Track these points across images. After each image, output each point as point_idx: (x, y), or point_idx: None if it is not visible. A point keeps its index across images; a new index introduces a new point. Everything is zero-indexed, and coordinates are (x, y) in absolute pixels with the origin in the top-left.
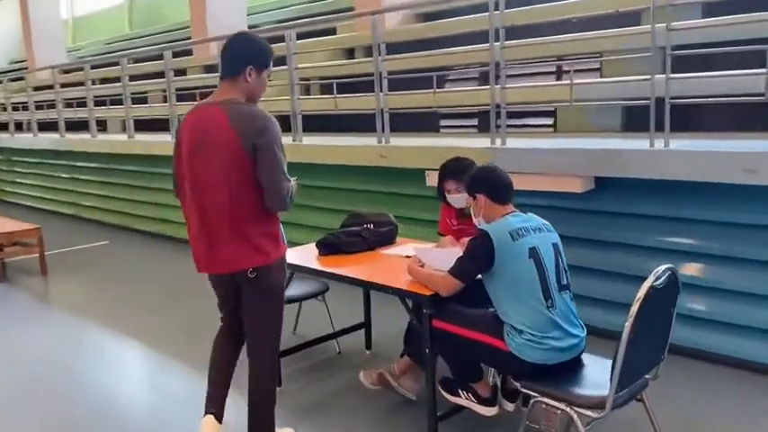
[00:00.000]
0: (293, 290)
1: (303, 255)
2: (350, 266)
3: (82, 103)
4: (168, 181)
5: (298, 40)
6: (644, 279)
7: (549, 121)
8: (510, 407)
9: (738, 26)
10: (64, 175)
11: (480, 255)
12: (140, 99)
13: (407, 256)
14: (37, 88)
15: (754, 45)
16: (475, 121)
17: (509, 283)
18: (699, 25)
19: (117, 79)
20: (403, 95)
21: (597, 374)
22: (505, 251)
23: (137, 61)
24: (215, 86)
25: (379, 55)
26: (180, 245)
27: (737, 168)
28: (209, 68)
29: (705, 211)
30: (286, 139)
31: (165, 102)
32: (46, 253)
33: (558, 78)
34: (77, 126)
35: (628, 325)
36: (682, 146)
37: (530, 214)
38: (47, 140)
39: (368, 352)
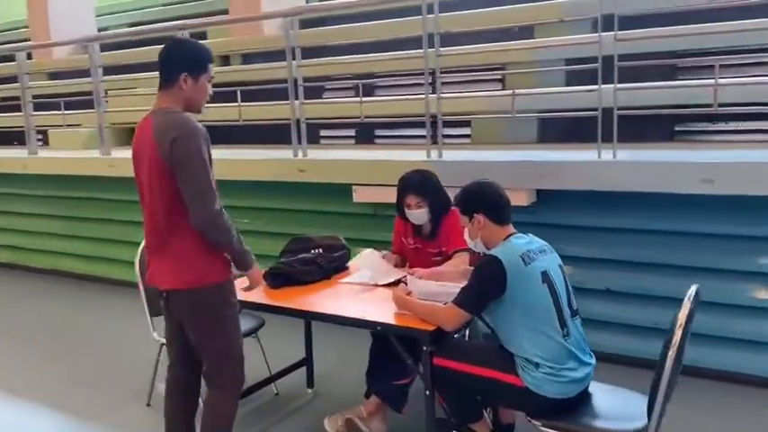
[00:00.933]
0: None
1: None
2: (315, 300)
3: None
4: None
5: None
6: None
7: (467, 131)
8: None
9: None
10: None
11: (491, 282)
12: None
13: (376, 285)
14: None
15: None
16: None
17: (523, 311)
18: (644, 36)
19: None
20: (321, 104)
21: (617, 405)
22: (518, 277)
23: None
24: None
25: (294, 59)
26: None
27: (695, 179)
28: (54, 75)
29: (654, 221)
30: None
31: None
32: None
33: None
34: None
35: (671, 354)
36: (630, 156)
37: (530, 235)
38: None
39: (310, 391)
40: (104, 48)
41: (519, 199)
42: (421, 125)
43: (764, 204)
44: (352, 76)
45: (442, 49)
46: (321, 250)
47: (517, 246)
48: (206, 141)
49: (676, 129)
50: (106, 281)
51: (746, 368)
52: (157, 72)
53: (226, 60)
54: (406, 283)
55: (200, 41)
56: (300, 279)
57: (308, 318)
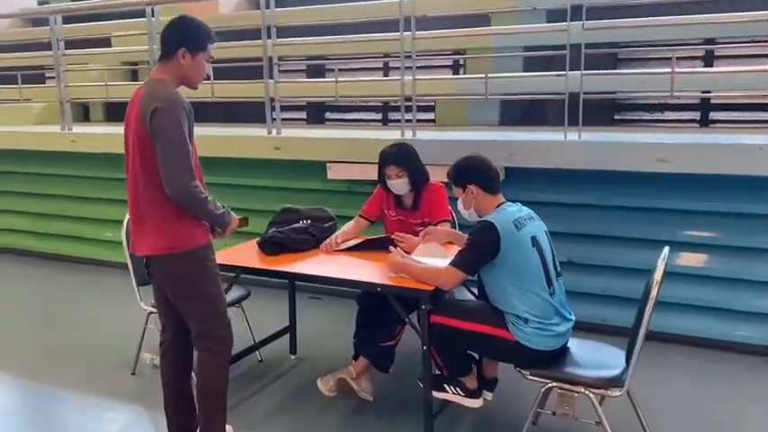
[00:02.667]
0: None
1: (241, 255)
2: (313, 265)
3: None
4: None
5: (116, 20)
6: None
7: (431, 115)
8: (489, 396)
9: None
10: None
11: (487, 246)
12: None
13: (356, 247)
14: None
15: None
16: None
17: (514, 272)
18: (610, 26)
19: None
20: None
21: (596, 356)
22: (511, 241)
23: None
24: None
25: (269, 38)
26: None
27: (652, 158)
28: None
29: (612, 197)
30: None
31: None
32: None
33: (456, 72)
34: None
35: (649, 308)
36: (593, 138)
37: (518, 204)
38: None
39: (293, 357)
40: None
41: None
42: (372, 108)
43: (711, 182)
44: (306, 57)
45: (417, 33)
46: (310, 221)
47: (509, 212)
48: (187, 115)
49: (616, 117)
50: (70, 259)
51: (685, 329)
52: (100, 49)
53: None
54: (395, 245)
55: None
56: (296, 247)
57: (310, 281)
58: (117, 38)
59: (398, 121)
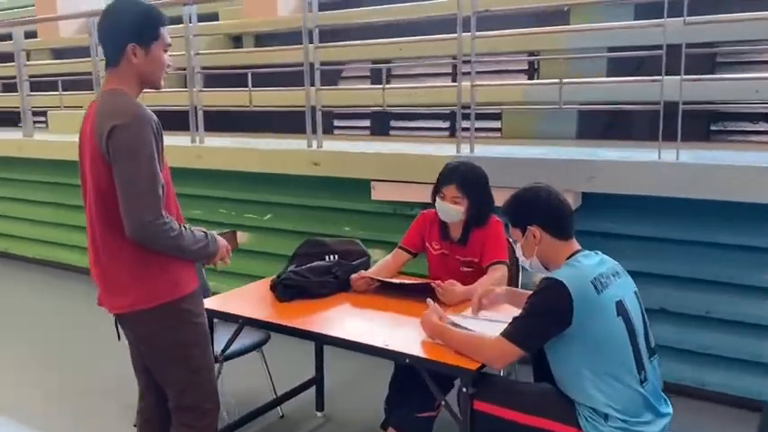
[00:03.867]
0: (221, 343)
1: (248, 300)
2: (332, 318)
3: None
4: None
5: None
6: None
7: (497, 124)
8: None
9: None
10: None
11: (554, 313)
12: None
13: (391, 287)
14: None
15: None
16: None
17: (591, 350)
18: (717, 20)
19: None
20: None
21: None
22: (588, 308)
23: None
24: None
25: (311, 42)
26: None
27: None
28: (59, 53)
29: (720, 233)
30: (183, 140)
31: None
32: None
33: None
34: None
35: None
36: (693, 158)
37: (599, 253)
38: None
39: (319, 414)
40: None
41: None
42: (440, 117)
43: None
44: (370, 61)
45: (479, 32)
46: (337, 257)
47: (586, 267)
48: (156, 132)
49: (712, 128)
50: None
51: None
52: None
53: (238, 42)
54: (434, 296)
55: (151, 3)
56: (315, 292)
57: (322, 341)
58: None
59: (459, 132)
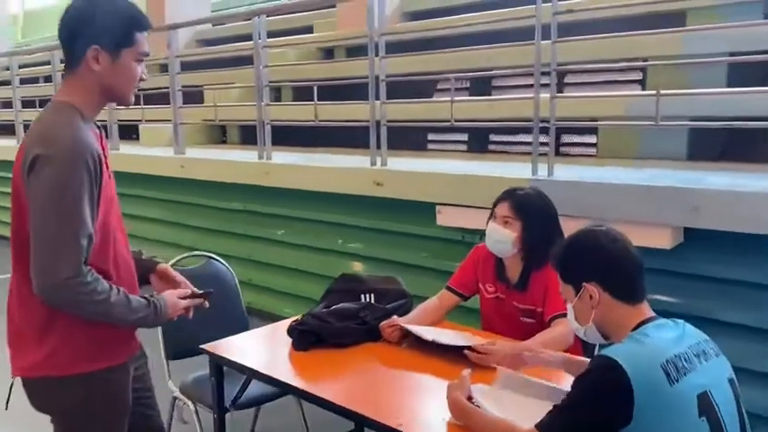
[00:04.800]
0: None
1: (265, 343)
2: (347, 379)
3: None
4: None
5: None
6: None
7: (592, 139)
8: None
9: None
10: None
11: (605, 406)
12: None
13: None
14: None
15: None
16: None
17: None
18: None
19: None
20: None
21: None
22: (656, 403)
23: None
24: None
25: (376, 54)
26: None
27: None
28: (165, 68)
29: None
30: (249, 155)
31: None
32: None
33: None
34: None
35: None
36: None
37: (680, 322)
38: None
39: None
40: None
41: (660, 239)
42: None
43: None
44: (459, 71)
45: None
46: (373, 297)
47: (658, 344)
48: (93, 168)
49: None
50: None
51: None
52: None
53: (330, 54)
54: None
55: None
56: (335, 341)
57: (332, 409)
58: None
59: (535, 152)
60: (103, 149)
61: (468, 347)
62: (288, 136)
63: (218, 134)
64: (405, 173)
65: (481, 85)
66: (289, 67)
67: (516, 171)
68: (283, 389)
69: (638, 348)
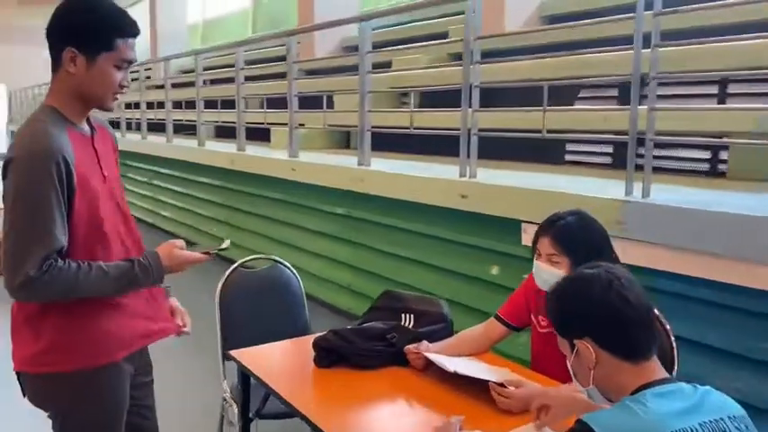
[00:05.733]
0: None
1: (291, 357)
2: (350, 406)
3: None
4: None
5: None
6: None
7: (706, 155)
8: None
9: None
10: (143, 180)
11: None
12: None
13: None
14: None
15: None
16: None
17: None
18: None
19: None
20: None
21: None
22: None
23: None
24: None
25: (472, 62)
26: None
27: None
28: (311, 73)
29: None
30: (348, 159)
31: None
32: None
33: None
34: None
35: None
36: None
37: (701, 389)
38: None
39: None
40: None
41: None
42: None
43: None
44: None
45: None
46: (412, 317)
47: (651, 418)
48: (51, 171)
49: None
50: None
51: None
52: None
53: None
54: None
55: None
56: (357, 362)
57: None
58: (397, 62)
59: (630, 168)
60: (96, 150)
61: (489, 384)
62: (416, 143)
63: (344, 139)
64: (490, 186)
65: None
66: (420, 73)
67: (607, 190)
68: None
69: (625, 419)
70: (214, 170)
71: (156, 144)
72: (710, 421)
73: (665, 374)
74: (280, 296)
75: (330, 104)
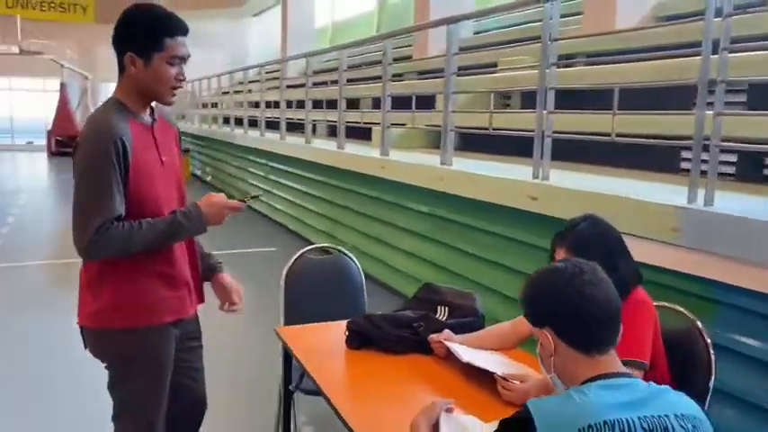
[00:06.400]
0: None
1: (330, 337)
2: (369, 388)
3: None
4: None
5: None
6: None
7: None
8: None
9: None
10: (264, 175)
11: None
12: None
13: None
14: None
15: None
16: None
17: None
18: None
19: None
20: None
21: None
22: None
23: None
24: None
25: (548, 65)
26: None
27: None
28: (423, 73)
29: None
30: (431, 158)
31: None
32: (215, 252)
33: None
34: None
35: None
36: None
37: (656, 388)
38: (250, 139)
39: None
40: None
41: None
42: None
43: None
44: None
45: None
46: (447, 309)
47: (588, 407)
48: (108, 151)
49: None
50: None
51: None
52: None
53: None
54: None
55: (166, 9)
56: (383, 345)
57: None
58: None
59: (694, 174)
60: (155, 138)
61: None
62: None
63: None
64: (559, 189)
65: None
66: (522, 75)
67: (669, 196)
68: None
69: (564, 406)
70: (318, 166)
71: (271, 141)
72: (652, 417)
73: (621, 369)
74: (340, 283)
75: (432, 105)
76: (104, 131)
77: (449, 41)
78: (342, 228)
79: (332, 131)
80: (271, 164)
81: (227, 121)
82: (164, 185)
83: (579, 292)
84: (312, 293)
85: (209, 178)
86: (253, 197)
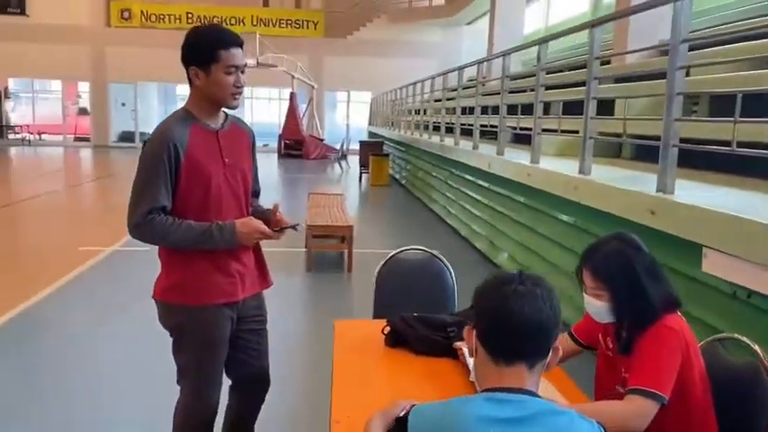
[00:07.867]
0: None
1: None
2: (374, 384)
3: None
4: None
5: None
6: None
7: None
8: None
9: None
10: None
11: None
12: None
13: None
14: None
15: None
16: None
17: None
18: None
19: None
20: None
21: None
22: None
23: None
24: None
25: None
26: None
27: None
28: (620, 80)
29: None
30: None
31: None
32: (359, 251)
33: None
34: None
35: None
36: None
37: (552, 409)
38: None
39: None
40: None
41: None
42: None
43: None
44: None
45: None
46: None
47: (453, 418)
48: (172, 153)
49: None
50: None
51: None
52: None
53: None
54: None
55: (222, 26)
56: (416, 346)
57: None
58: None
59: None
60: (220, 141)
61: None
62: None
63: (617, 148)
64: (681, 204)
65: None
66: (711, 80)
67: None
68: None
69: (443, 414)
70: (479, 171)
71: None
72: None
73: (527, 385)
74: (430, 284)
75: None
76: (162, 136)
77: (591, 44)
78: (498, 234)
79: (516, 138)
80: (453, 170)
81: (417, 126)
82: (223, 184)
83: (503, 299)
84: (403, 292)
85: (404, 182)
86: (289, 227)
